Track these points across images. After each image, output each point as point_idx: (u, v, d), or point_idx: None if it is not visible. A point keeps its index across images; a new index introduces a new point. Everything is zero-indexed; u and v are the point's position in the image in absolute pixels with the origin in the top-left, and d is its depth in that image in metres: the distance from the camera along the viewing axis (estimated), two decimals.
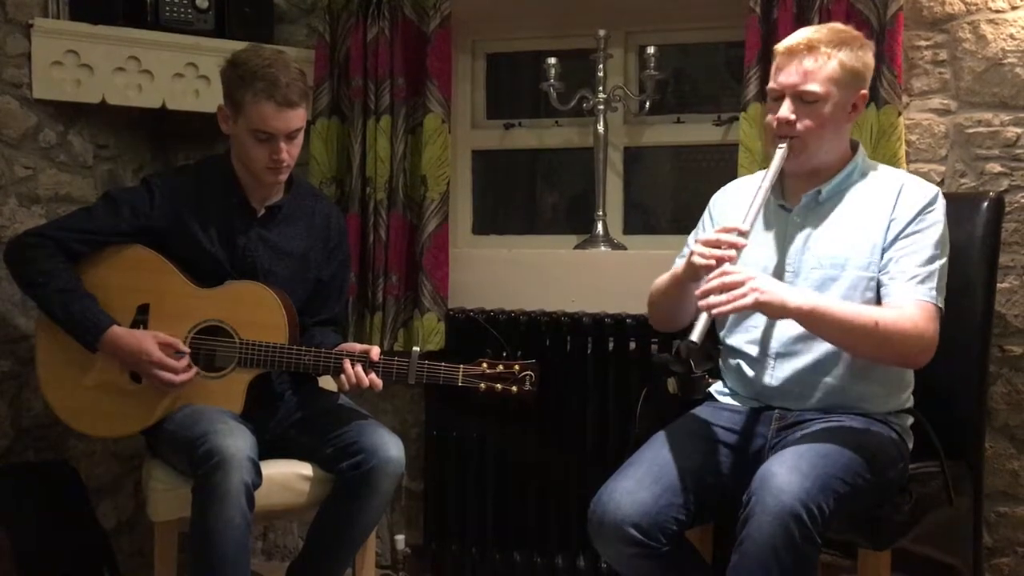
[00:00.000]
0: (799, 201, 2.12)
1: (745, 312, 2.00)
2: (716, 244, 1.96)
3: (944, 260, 2.04)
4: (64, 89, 2.79)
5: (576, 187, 3.35)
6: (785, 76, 2.04)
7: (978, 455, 2.35)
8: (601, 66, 3.01)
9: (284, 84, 2.28)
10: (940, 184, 2.64)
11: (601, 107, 3.01)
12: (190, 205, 2.40)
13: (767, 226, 2.16)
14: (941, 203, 2.06)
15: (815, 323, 1.96)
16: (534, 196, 3.54)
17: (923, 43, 2.65)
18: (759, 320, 2.12)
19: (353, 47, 2.95)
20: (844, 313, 1.95)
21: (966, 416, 2.29)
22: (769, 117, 2.09)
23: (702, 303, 1.90)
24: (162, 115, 3.00)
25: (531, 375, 2.32)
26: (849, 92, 2.04)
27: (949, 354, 2.03)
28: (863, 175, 2.13)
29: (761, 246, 2.14)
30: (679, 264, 2.20)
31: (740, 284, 1.90)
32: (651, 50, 2.92)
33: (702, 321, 1.90)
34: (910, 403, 2.14)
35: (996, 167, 2.61)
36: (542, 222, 3.44)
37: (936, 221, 2.04)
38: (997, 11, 2.59)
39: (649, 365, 2.29)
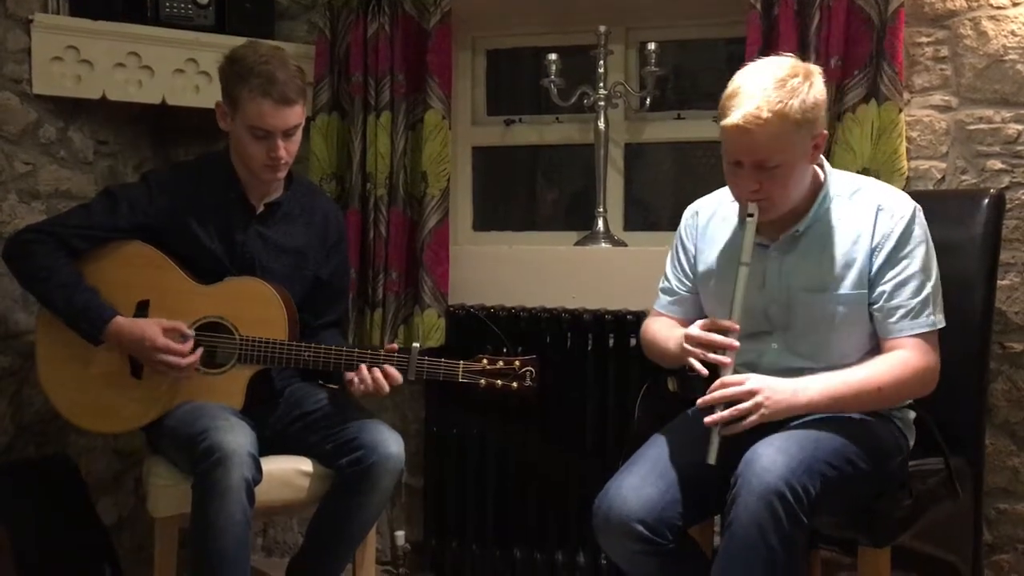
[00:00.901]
0: (776, 239, 2.07)
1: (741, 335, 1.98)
2: (709, 346, 1.95)
3: (935, 279, 2.02)
4: (64, 85, 2.78)
5: (576, 183, 3.34)
6: (739, 151, 1.94)
7: (978, 452, 2.35)
8: (601, 62, 3.00)
9: (281, 81, 2.27)
10: (941, 181, 2.64)
11: (602, 103, 3.00)
12: (189, 201, 2.40)
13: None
14: (920, 218, 2.03)
15: (823, 409, 1.96)
16: (534, 192, 3.53)
17: (924, 39, 2.65)
18: (754, 349, 2.08)
19: (353, 43, 2.95)
20: (848, 391, 1.94)
21: (966, 413, 2.29)
22: (730, 185, 2.03)
23: (707, 420, 1.91)
24: (162, 111, 2.99)
25: (531, 371, 2.31)
26: (807, 139, 1.95)
27: (949, 351, 2.03)
28: (837, 197, 2.07)
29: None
30: (663, 302, 2.23)
31: (743, 399, 1.90)
32: (652, 46, 2.92)
33: (715, 443, 1.90)
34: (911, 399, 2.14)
35: (997, 164, 2.61)
36: (542, 218, 3.44)
37: (920, 241, 2.01)
38: (998, 7, 2.58)
39: (649, 362, 2.28)
